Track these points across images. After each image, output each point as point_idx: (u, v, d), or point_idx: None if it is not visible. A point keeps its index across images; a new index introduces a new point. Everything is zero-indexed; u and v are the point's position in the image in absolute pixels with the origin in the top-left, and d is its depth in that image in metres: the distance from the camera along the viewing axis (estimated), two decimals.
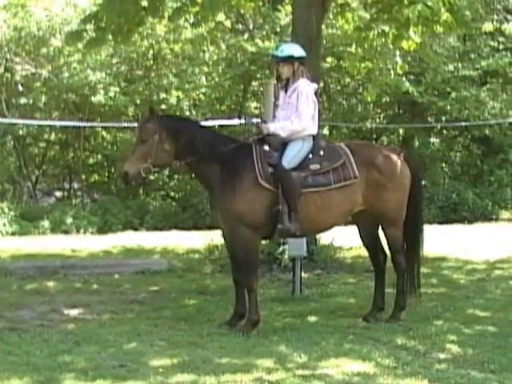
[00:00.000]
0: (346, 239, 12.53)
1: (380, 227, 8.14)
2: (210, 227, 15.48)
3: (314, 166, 7.59)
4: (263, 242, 10.85)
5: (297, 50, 7.77)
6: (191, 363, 6.27)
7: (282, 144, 7.58)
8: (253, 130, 7.78)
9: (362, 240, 8.38)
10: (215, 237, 11.78)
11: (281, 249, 10.39)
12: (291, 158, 7.51)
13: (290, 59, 7.66)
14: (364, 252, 12.08)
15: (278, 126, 7.59)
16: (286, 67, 7.68)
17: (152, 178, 18.70)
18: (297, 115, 7.56)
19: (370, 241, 8.33)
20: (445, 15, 9.29)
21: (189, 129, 7.61)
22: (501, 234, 14.27)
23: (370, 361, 6.41)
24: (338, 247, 11.64)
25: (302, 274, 9.45)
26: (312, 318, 8.07)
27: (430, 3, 8.15)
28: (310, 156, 7.62)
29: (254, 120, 8.16)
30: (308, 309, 8.47)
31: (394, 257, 8.10)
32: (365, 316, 8.04)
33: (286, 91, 7.79)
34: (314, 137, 7.70)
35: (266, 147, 7.54)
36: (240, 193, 7.36)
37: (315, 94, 7.83)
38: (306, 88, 7.63)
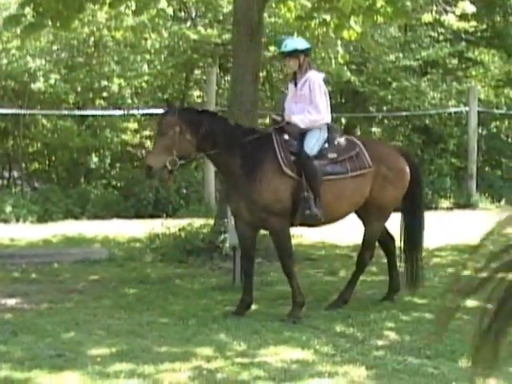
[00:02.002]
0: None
1: (365, 219, 8.25)
2: (152, 216, 15.46)
3: (332, 155, 7.84)
4: (204, 230, 11.06)
5: (300, 43, 8.00)
6: (130, 352, 6.25)
7: (300, 133, 7.77)
8: (268, 121, 7.93)
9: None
10: (156, 226, 11.76)
11: (222, 237, 10.38)
12: (312, 146, 7.73)
13: (295, 52, 7.84)
14: (305, 240, 12.26)
15: (298, 119, 7.75)
16: (292, 61, 7.88)
17: (94, 166, 18.59)
18: (313, 106, 7.79)
19: None
20: (379, 4, 9.36)
21: (208, 120, 7.71)
22: (440, 222, 14.42)
23: (309, 348, 6.46)
24: None
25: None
26: (252, 306, 8.08)
27: None
28: (326, 145, 7.84)
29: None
30: None
31: (363, 251, 8.30)
32: (383, 298, 8.37)
33: (295, 84, 7.95)
34: (328, 127, 7.89)
35: (286, 136, 7.72)
36: (265, 183, 7.51)
37: (323, 81, 8.02)
38: (317, 79, 7.86)
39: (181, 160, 7.62)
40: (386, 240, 8.58)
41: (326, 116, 7.84)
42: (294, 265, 7.90)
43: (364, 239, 8.30)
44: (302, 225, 7.92)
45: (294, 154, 7.65)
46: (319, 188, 7.59)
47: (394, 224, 8.48)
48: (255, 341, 6.69)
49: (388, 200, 8.09)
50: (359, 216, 8.35)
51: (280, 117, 7.90)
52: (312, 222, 7.85)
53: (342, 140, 7.98)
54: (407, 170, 8.23)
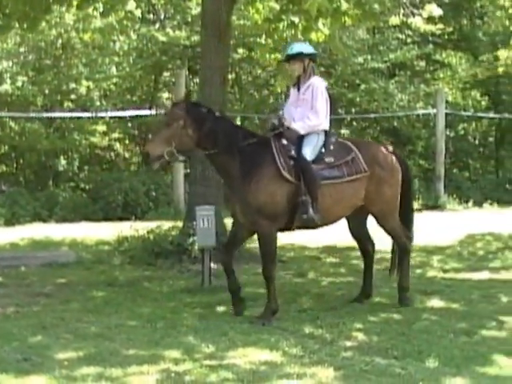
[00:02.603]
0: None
1: (376, 221, 8.34)
2: (121, 218, 15.39)
3: (329, 160, 7.86)
4: (173, 233, 11.03)
5: (306, 48, 8.05)
6: (97, 355, 6.22)
7: (298, 138, 7.82)
8: (268, 125, 7.98)
9: (351, 231, 8.61)
10: (125, 228, 11.71)
11: (190, 240, 10.36)
12: (310, 150, 7.78)
13: (299, 56, 7.88)
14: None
15: (299, 126, 7.79)
16: (297, 64, 7.92)
17: (62, 168, 18.47)
18: (313, 112, 7.82)
19: (359, 232, 8.60)
20: (345, 6, 9.41)
21: (212, 118, 7.74)
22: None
23: (278, 350, 6.46)
24: None
25: (212, 265, 9.46)
26: (221, 309, 8.09)
27: None
28: (323, 150, 7.88)
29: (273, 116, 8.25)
30: (217, 299, 8.47)
31: (397, 241, 8.48)
32: (352, 300, 8.38)
33: (298, 89, 7.99)
34: (325, 132, 7.96)
35: (284, 141, 7.76)
36: (262, 185, 7.53)
37: (326, 90, 8.03)
38: (320, 85, 7.90)
39: (179, 153, 7.70)
40: (367, 244, 8.64)
41: (324, 122, 7.91)
42: (276, 270, 7.89)
43: (390, 235, 8.45)
44: (298, 228, 7.97)
45: (292, 159, 7.69)
46: (317, 192, 7.65)
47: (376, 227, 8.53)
48: (224, 343, 6.68)
49: (387, 198, 8.19)
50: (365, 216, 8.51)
51: (278, 120, 7.92)
52: (310, 226, 7.91)
53: (337, 144, 8.03)
54: (398, 167, 8.33)
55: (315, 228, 8.05)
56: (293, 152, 7.71)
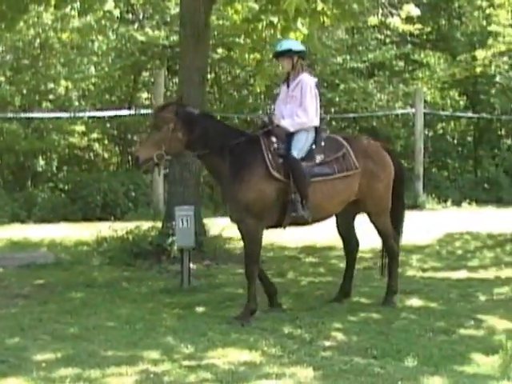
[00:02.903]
0: (236, 230, 12.60)
1: (369, 218, 8.39)
2: (100, 219, 15.33)
3: (319, 157, 7.90)
4: (152, 233, 10.99)
5: (295, 45, 8.13)
6: (76, 357, 6.19)
7: (288, 136, 7.85)
8: (258, 123, 8.07)
9: (338, 229, 8.63)
10: (104, 229, 11.66)
11: (170, 240, 10.33)
12: (299, 148, 7.81)
13: (288, 53, 7.94)
14: None
15: (288, 124, 7.83)
16: (286, 61, 7.99)
17: (41, 169, 18.36)
18: (302, 109, 7.85)
19: (346, 230, 8.61)
20: (320, 6, 9.43)
21: (202, 121, 7.79)
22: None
23: (257, 350, 6.46)
24: (227, 238, 11.66)
25: (191, 265, 9.45)
26: (200, 309, 8.08)
27: None
28: (313, 147, 7.91)
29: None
30: (196, 300, 8.47)
31: (386, 243, 8.49)
32: (332, 300, 8.40)
33: (287, 85, 8.05)
34: (316, 129, 7.97)
35: (274, 139, 7.79)
36: (250, 183, 7.56)
37: (316, 86, 8.06)
38: (309, 81, 7.92)
39: (168, 155, 7.72)
40: (352, 244, 8.66)
41: (314, 119, 7.91)
42: (257, 271, 7.88)
43: (380, 235, 8.48)
44: (290, 225, 8.00)
45: (281, 157, 7.72)
46: (307, 190, 7.69)
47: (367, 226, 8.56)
48: (202, 343, 6.67)
49: (378, 194, 8.23)
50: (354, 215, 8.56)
51: (268, 118, 7.98)
52: (300, 223, 7.96)
53: (328, 140, 8.07)
54: (390, 161, 8.39)
55: (306, 225, 8.08)
56: (282, 150, 7.74)
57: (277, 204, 7.67)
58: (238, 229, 7.88)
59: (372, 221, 8.38)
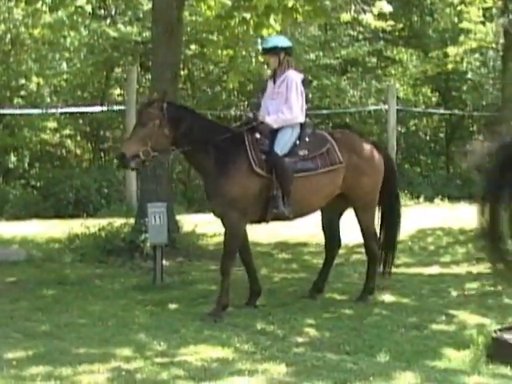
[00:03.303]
0: (209, 226, 12.58)
1: (355, 213, 8.45)
2: (72, 216, 15.23)
3: (303, 152, 7.96)
4: (125, 230, 10.95)
5: (282, 41, 8.17)
6: (47, 355, 6.15)
7: (272, 132, 7.92)
8: (243, 119, 8.03)
9: (322, 225, 8.66)
10: (76, 226, 11.59)
11: (142, 237, 10.29)
12: (283, 144, 7.87)
13: (275, 50, 8.02)
14: None
15: (272, 120, 7.89)
16: (273, 58, 8.06)
17: (12, 165, 18.21)
18: (287, 106, 7.92)
19: (329, 227, 8.67)
20: (291, 3, 9.44)
21: (188, 117, 7.83)
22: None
23: (229, 346, 6.45)
24: (200, 234, 11.65)
25: (164, 262, 9.44)
26: (173, 306, 8.06)
27: None
28: (298, 142, 7.97)
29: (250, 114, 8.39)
30: (169, 297, 8.44)
31: (367, 243, 8.53)
32: (307, 296, 8.46)
33: (274, 82, 8.12)
34: (301, 125, 8.04)
35: (258, 135, 7.85)
36: (234, 179, 7.62)
37: (302, 83, 8.11)
38: (295, 78, 7.98)
39: (154, 152, 7.69)
40: (334, 240, 8.70)
41: (298, 115, 7.97)
42: (233, 267, 7.97)
43: (362, 233, 8.52)
44: (273, 220, 8.05)
45: (264, 153, 7.78)
46: (289, 186, 7.74)
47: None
48: (175, 340, 6.65)
49: (365, 190, 8.28)
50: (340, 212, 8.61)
51: (253, 114, 8.05)
52: (281, 218, 8.02)
53: (313, 136, 8.14)
54: (378, 158, 8.44)
55: (288, 220, 8.14)
56: (265, 146, 7.80)
57: (260, 199, 7.73)
58: (222, 224, 7.91)
59: (357, 217, 8.43)
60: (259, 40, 8.52)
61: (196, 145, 7.72)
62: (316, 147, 8.03)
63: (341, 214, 8.66)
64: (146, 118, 7.63)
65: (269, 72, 9.01)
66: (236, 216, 7.67)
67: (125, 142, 7.86)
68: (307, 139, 8.04)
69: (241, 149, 7.74)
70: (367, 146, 8.46)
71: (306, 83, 8.44)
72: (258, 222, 8.03)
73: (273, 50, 8.04)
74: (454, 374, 5.87)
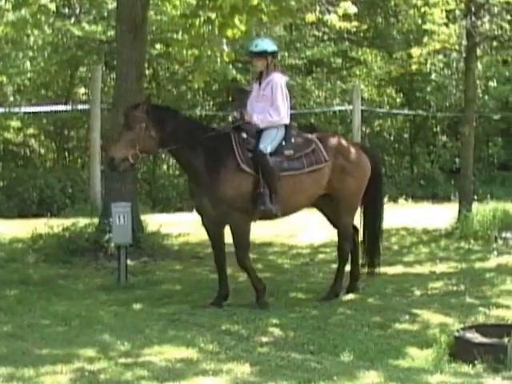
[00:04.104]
0: (174, 226, 12.58)
1: (335, 213, 8.62)
2: (36, 215, 15.11)
3: (288, 152, 8.14)
4: (89, 230, 10.90)
5: (270, 45, 8.33)
6: (9, 355, 6.10)
7: (258, 132, 8.10)
8: (230, 118, 8.15)
9: (331, 223, 8.84)
10: (40, 226, 11.50)
11: (107, 237, 10.24)
12: (267, 143, 8.03)
13: (263, 54, 8.20)
14: (191, 239, 12.25)
15: (259, 119, 8.07)
16: (260, 61, 8.23)
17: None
18: (274, 108, 8.09)
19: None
20: (256, 2, 9.46)
21: (173, 118, 8.01)
22: (324, 219, 14.70)
23: (194, 347, 6.46)
24: (165, 234, 11.61)
25: (129, 262, 9.43)
26: (137, 306, 8.04)
27: None
28: (283, 143, 8.15)
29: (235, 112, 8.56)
30: (133, 297, 8.43)
31: (341, 244, 8.65)
32: (346, 289, 8.70)
33: (259, 84, 8.28)
34: (286, 126, 8.22)
35: (244, 134, 8.03)
36: (227, 179, 7.82)
37: (286, 84, 8.35)
38: (280, 81, 8.19)
39: (142, 154, 8.03)
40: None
41: (285, 118, 8.14)
42: (249, 259, 8.26)
43: (338, 233, 8.67)
44: (260, 219, 8.21)
45: (250, 152, 7.96)
46: (275, 184, 7.91)
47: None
48: (139, 340, 6.63)
49: (350, 191, 8.45)
50: (326, 213, 8.78)
51: (239, 114, 8.17)
52: (267, 217, 8.18)
53: (298, 137, 8.34)
54: (365, 161, 8.60)
55: (276, 219, 8.32)
56: (251, 145, 7.98)
57: (251, 197, 7.91)
58: (205, 223, 8.13)
59: (338, 216, 8.57)
60: (249, 43, 8.65)
61: (183, 144, 7.87)
62: (302, 147, 8.23)
63: None
64: (133, 121, 7.80)
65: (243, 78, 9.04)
66: (239, 215, 7.89)
67: (112, 145, 7.99)
68: (293, 140, 8.22)
69: (228, 148, 7.93)
70: (353, 148, 8.65)
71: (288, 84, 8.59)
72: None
73: (261, 54, 8.21)
74: (417, 372, 5.92)
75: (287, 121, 8.22)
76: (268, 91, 8.16)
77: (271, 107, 8.11)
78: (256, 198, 7.88)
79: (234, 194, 7.82)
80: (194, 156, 7.90)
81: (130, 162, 7.80)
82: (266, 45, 8.33)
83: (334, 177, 8.32)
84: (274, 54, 8.31)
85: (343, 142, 8.67)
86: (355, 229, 8.93)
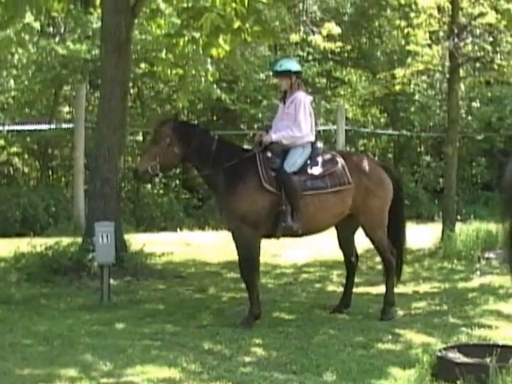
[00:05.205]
0: (157, 245, 12.55)
1: (364, 233, 8.73)
2: (19, 234, 15.03)
3: (313, 171, 8.28)
4: (72, 249, 10.85)
5: (294, 65, 8.53)
6: None
7: (283, 151, 8.25)
8: (255, 141, 8.48)
9: (339, 243, 8.95)
10: (23, 245, 11.44)
11: (90, 256, 10.19)
12: (292, 163, 8.19)
13: (287, 73, 8.35)
14: (175, 258, 12.24)
15: (280, 135, 8.24)
16: (285, 81, 8.39)
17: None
18: (296, 124, 8.22)
19: (346, 244, 8.94)
20: (237, 24, 9.51)
21: (199, 136, 8.26)
22: (309, 238, 14.69)
23: (176, 366, 6.43)
24: (148, 254, 11.57)
25: (112, 281, 9.38)
26: (120, 326, 7.99)
27: (222, 12, 8.32)
28: (309, 162, 8.29)
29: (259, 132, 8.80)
30: (116, 316, 8.38)
31: (382, 256, 8.79)
32: (333, 309, 8.78)
33: (284, 103, 8.45)
34: (312, 144, 8.35)
35: (269, 154, 8.22)
36: (244, 194, 8.01)
37: (311, 104, 8.47)
38: (303, 99, 8.31)
39: (163, 168, 8.38)
40: (351, 256, 8.98)
41: (307, 134, 8.27)
42: (259, 276, 8.40)
43: (377, 248, 8.80)
44: (283, 236, 8.34)
45: (274, 171, 8.11)
46: (297, 202, 8.05)
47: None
48: (122, 360, 6.60)
49: (375, 210, 8.55)
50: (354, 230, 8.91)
51: (258, 139, 8.38)
52: (290, 234, 8.28)
53: (323, 156, 8.44)
54: (388, 180, 8.68)
55: (300, 236, 8.50)
56: (276, 164, 8.12)
57: (270, 214, 8.06)
58: (233, 238, 8.24)
59: (367, 235, 8.71)
60: (272, 63, 8.88)
61: (207, 163, 8.15)
62: (326, 167, 8.34)
63: (355, 231, 8.94)
64: (158, 136, 8.17)
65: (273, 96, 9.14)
66: (248, 230, 8.01)
67: (141, 157, 8.68)
68: (318, 159, 8.34)
69: (252, 167, 8.10)
70: (377, 168, 8.73)
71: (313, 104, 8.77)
72: (269, 236, 8.33)
73: (285, 74, 8.35)
74: None
75: (311, 138, 8.35)
76: (292, 109, 8.31)
77: (294, 123, 8.25)
78: (275, 215, 8.04)
79: (248, 210, 7.97)
80: (217, 173, 8.12)
81: (150, 173, 8.18)
82: (290, 64, 8.50)
83: (358, 197, 8.41)
84: (297, 73, 8.46)
85: (367, 161, 8.74)
86: (356, 257, 9.04)
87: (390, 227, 8.81)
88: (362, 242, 9.21)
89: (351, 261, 8.99)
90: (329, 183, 8.29)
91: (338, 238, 8.94)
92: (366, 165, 8.63)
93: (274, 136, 8.28)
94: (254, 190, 8.04)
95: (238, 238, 8.16)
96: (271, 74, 8.94)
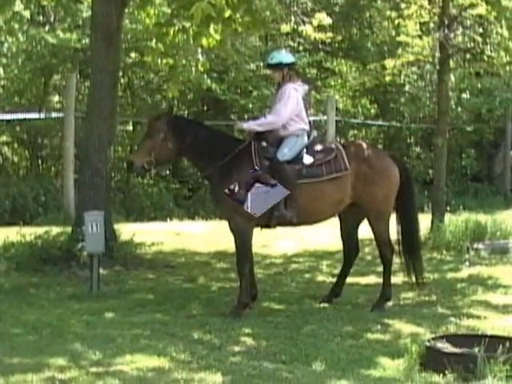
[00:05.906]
0: (147, 235, 12.55)
1: (368, 222, 8.67)
2: (8, 224, 14.99)
3: (308, 159, 8.25)
4: (62, 239, 10.83)
5: (286, 57, 8.54)
6: None
7: (279, 140, 8.26)
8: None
9: (341, 233, 8.88)
10: (12, 234, 11.42)
11: (79, 245, 10.17)
12: (286, 151, 8.19)
13: (279, 65, 8.40)
14: (165, 248, 12.23)
15: (252, 124, 8.38)
16: (277, 73, 8.45)
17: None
18: (273, 111, 8.30)
19: (348, 236, 8.87)
20: (227, 13, 9.50)
21: (194, 130, 8.31)
22: (298, 228, 14.73)
23: (166, 356, 6.45)
24: (138, 243, 11.57)
25: (101, 271, 9.39)
26: (109, 315, 7.99)
27: (213, 2, 8.29)
28: (304, 151, 8.28)
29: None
30: (105, 306, 8.38)
31: (380, 249, 8.72)
32: (322, 299, 8.76)
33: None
34: (308, 134, 8.37)
35: (264, 143, 8.21)
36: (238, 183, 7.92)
37: (306, 94, 8.60)
38: (290, 89, 8.28)
39: (157, 162, 8.39)
40: (351, 249, 8.95)
41: (283, 119, 8.19)
42: (248, 267, 8.30)
43: (376, 240, 8.71)
44: (278, 225, 8.34)
45: (268, 160, 8.12)
46: (292, 191, 7.97)
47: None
48: (111, 349, 6.61)
49: (376, 198, 8.43)
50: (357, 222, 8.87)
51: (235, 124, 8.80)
52: (285, 223, 8.28)
53: (320, 145, 8.50)
54: (393, 169, 8.57)
55: (296, 225, 8.54)
56: (270, 153, 8.13)
57: None
58: (230, 228, 8.26)
59: (370, 225, 8.64)
60: (266, 55, 8.92)
61: (202, 156, 8.22)
62: (322, 155, 8.32)
63: (358, 224, 8.87)
64: (152, 131, 8.21)
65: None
66: (242, 220, 8.01)
67: (135, 151, 8.74)
68: (315, 148, 8.36)
69: (246, 156, 8.11)
70: (381, 157, 8.66)
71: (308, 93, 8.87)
72: (265, 226, 8.34)
73: (277, 66, 8.39)
74: (388, 382, 5.96)
75: (306, 127, 8.34)
76: (278, 100, 8.33)
77: (271, 110, 8.32)
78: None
79: None
80: (212, 164, 8.15)
81: (145, 167, 8.23)
82: (282, 57, 8.51)
83: (358, 185, 8.33)
84: (290, 65, 8.45)
85: (369, 149, 8.63)
86: (357, 250, 9.01)
87: (402, 220, 8.79)
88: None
89: (349, 253, 8.93)
90: (325, 171, 8.24)
91: (341, 228, 8.87)
92: (367, 153, 8.52)
93: (244, 125, 8.44)
94: (245, 178, 8.02)
95: (232, 227, 8.18)
96: (261, 65, 8.90)
